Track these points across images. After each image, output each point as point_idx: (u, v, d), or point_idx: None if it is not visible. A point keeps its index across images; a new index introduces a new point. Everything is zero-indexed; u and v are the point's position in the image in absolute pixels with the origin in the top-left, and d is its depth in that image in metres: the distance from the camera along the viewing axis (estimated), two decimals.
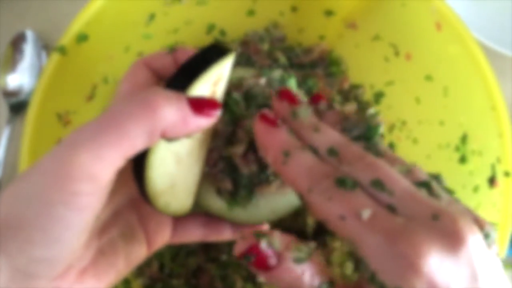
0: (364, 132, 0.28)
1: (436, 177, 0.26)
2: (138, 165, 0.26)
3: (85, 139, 0.23)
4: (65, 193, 0.22)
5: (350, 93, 0.47)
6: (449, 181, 0.41)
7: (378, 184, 0.23)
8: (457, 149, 0.41)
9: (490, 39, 0.51)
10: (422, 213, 0.22)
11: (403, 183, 0.23)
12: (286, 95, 0.28)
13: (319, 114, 0.29)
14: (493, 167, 0.39)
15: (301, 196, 0.25)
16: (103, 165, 0.23)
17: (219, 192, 0.32)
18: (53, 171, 0.23)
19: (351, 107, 0.29)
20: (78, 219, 0.23)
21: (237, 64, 0.31)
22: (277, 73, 0.31)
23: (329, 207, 0.23)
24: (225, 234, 0.33)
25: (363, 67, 0.47)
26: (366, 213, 0.22)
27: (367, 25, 0.44)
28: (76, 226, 0.23)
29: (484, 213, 0.39)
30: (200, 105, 0.25)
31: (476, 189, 0.40)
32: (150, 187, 0.26)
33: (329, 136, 0.26)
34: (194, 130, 0.26)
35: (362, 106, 0.47)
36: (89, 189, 0.23)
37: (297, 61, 0.47)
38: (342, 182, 0.24)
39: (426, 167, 0.43)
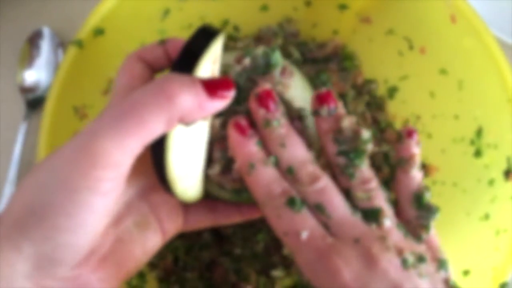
0: (349, 152, 0.30)
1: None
2: (156, 151, 0.26)
3: (106, 128, 0.23)
4: (90, 179, 0.23)
5: (363, 88, 0.47)
6: (464, 175, 0.42)
7: (320, 208, 0.28)
8: (472, 142, 0.41)
9: (504, 32, 0.51)
10: (348, 236, 0.27)
11: (341, 210, 0.28)
12: (265, 99, 0.30)
13: (317, 115, 0.31)
14: (509, 160, 0.38)
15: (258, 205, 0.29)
16: (124, 153, 0.24)
17: (220, 186, 0.32)
18: (77, 158, 0.23)
19: (349, 120, 0.30)
20: (102, 204, 0.24)
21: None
22: (260, 50, 0.30)
23: (277, 223, 0.28)
24: (233, 218, 0.34)
25: (377, 62, 0.47)
26: (304, 234, 0.27)
27: (381, 19, 0.44)
28: (99, 210, 0.24)
29: (500, 207, 0.39)
30: (214, 88, 0.26)
31: (491, 182, 0.39)
32: (169, 172, 0.27)
33: (291, 153, 0.29)
34: (210, 113, 0.27)
35: (376, 102, 0.47)
36: (112, 175, 0.24)
37: (310, 56, 0.47)
38: (291, 203, 0.28)
39: (440, 162, 0.44)
